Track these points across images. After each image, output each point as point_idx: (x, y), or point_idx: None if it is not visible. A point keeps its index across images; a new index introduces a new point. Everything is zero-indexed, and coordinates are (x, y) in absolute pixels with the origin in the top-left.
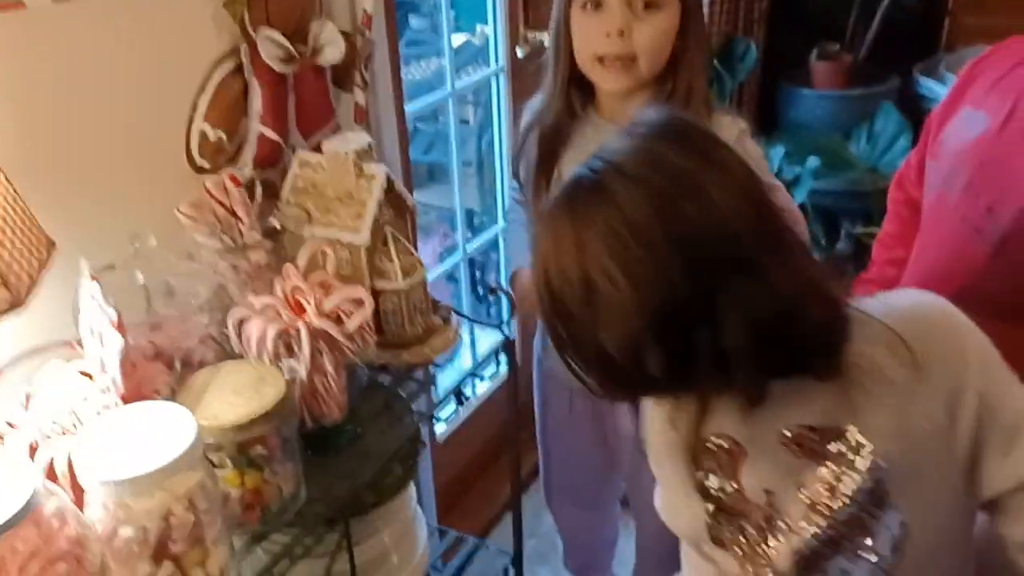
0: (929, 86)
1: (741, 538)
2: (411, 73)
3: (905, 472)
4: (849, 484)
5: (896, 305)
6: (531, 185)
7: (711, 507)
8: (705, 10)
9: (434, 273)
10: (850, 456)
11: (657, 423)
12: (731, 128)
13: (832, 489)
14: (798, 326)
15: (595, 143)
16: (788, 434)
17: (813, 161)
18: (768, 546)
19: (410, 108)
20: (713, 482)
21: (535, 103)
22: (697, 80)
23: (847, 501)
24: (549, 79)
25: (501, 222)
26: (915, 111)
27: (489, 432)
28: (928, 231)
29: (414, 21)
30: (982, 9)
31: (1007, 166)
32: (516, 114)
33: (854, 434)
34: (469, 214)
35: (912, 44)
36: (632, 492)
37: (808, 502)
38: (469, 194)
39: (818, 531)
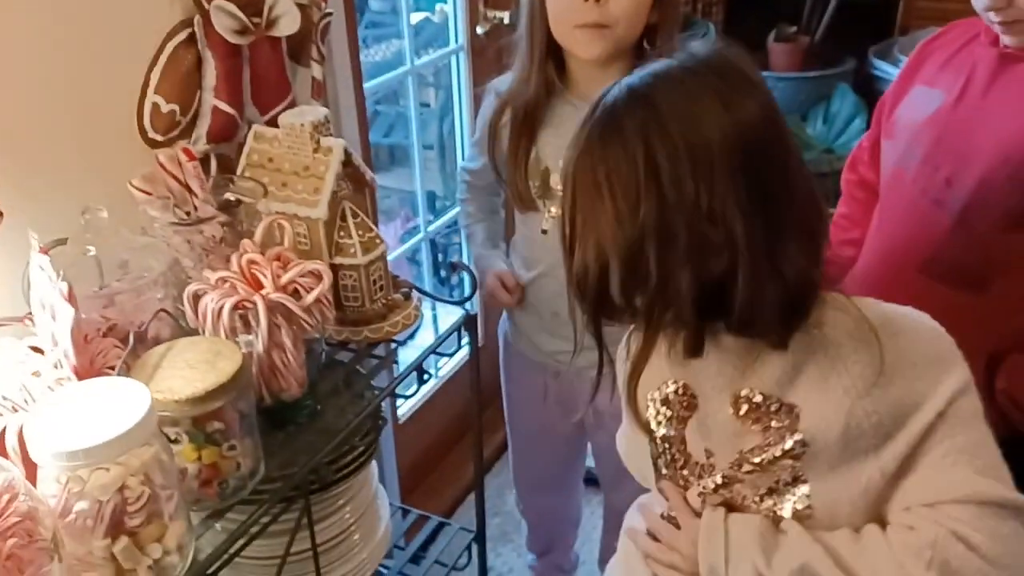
0: (884, 68)
1: (679, 479)
2: (371, 55)
3: (825, 458)
4: (773, 453)
5: (889, 310)
6: (506, 165)
7: (656, 448)
8: None
9: (396, 253)
10: (785, 432)
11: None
12: None
13: (760, 455)
14: (758, 289)
15: (572, 121)
16: (742, 396)
17: None
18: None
19: (369, 86)
20: (660, 429)
21: (503, 83)
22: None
23: (766, 466)
24: (523, 55)
25: None
26: (870, 93)
27: (452, 412)
28: (887, 207)
29: (374, 3)
30: None
31: (964, 139)
32: (477, 93)
33: (798, 413)
34: (431, 196)
35: (867, 26)
36: (602, 465)
37: (735, 461)
38: (431, 177)
39: (735, 485)
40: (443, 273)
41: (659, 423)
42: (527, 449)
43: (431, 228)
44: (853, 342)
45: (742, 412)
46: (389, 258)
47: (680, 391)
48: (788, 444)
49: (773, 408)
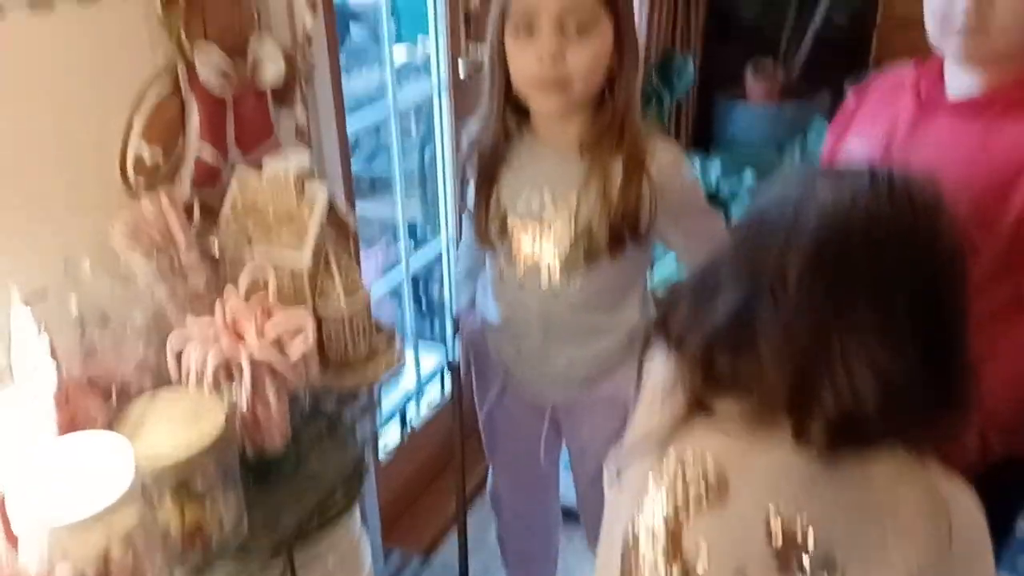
0: None
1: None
2: (351, 83)
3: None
4: None
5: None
6: (474, 209)
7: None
8: (643, 25)
9: (377, 290)
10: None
11: (655, 393)
12: (668, 154)
13: None
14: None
15: (532, 165)
16: (777, 522)
17: (749, 177)
18: None
19: (351, 124)
20: (664, 507)
21: (471, 127)
22: (632, 101)
23: None
24: (485, 102)
25: (444, 236)
26: None
27: (432, 447)
28: None
29: (355, 29)
30: (907, 25)
31: None
32: (458, 128)
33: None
34: (411, 226)
35: (843, 59)
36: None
37: None
38: (411, 206)
39: None
40: (424, 305)
41: (668, 493)
42: (500, 450)
43: (413, 264)
44: (921, 513)
45: (775, 541)
46: (371, 296)
47: (712, 474)
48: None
49: (814, 558)
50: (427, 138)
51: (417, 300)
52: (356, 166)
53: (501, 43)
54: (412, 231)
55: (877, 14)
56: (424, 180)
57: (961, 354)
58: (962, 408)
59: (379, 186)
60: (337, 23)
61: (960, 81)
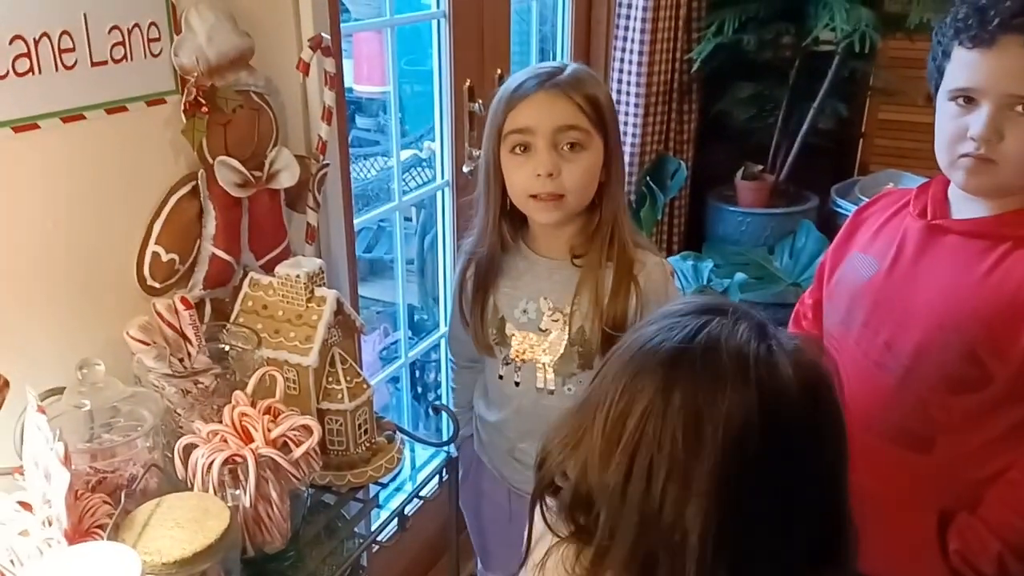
0: (845, 205)
1: None
2: (356, 171)
3: None
4: None
5: None
6: (470, 317)
7: None
8: (638, 130)
9: (375, 379)
10: None
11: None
12: (655, 271)
13: None
14: None
15: (528, 274)
16: None
17: (740, 276)
18: None
19: (359, 221)
20: None
21: (468, 242)
22: (621, 212)
23: None
24: (482, 214)
25: (443, 323)
26: (832, 229)
27: (425, 536)
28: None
29: (360, 119)
30: (891, 133)
31: (899, 306)
32: (461, 226)
33: None
34: (411, 310)
35: (829, 165)
36: None
37: None
38: (411, 289)
39: None
40: (420, 392)
41: None
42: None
43: (411, 353)
44: None
45: None
46: (372, 380)
47: None
48: None
49: None
50: (428, 225)
51: (414, 387)
52: (358, 250)
53: (497, 158)
54: (411, 316)
55: (862, 120)
56: (424, 266)
57: (842, 518)
58: (843, 566)
59: (378, 268)
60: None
61: (965, 205)
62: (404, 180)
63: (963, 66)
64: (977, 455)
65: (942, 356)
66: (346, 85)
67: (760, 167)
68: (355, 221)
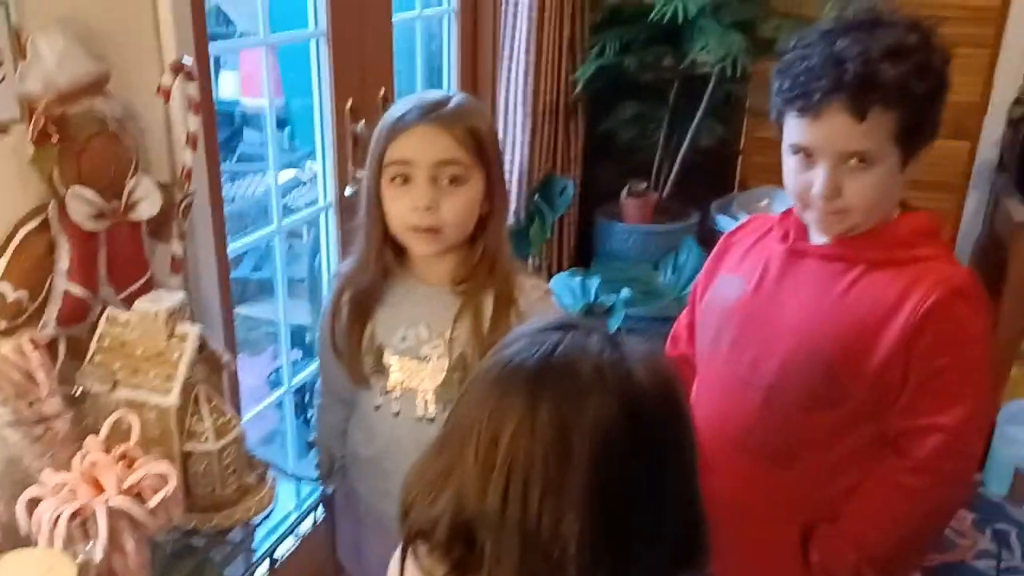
0: (723, 221)
1: None
2: (244, 187)
3: None
4: None
5: None
6: (344, 343)
7: None
8: (526, 149)
9: (256, 408)
10: None
11: None
12: (534, 292)
13: None
14: None
15: (407, 300)
16: None
17: (626, 292)
18: None
19: (235, 245)
20: None
21: (345, 267)
22: (503, 243)
23: None
24: (363, 242)
25: None
26: (712, 245)
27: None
28: (703, 385)
29: (248, 133)
30: (768, 150)
31: (764, 326)
32: (346, 250)
33: None
34: (300, 331)
35: (710, 182)
36: None
37: None
38: (301, 307)
39: None
40: (310, 414)
41: None
42: None
43: (303, 374)
44: None
45: None
46: (255, 411)
47: None
48: None
49: None
50: (318, 244)
51: (297, 411)
52: (243, 272)
53: (378, 188)
54: (301, 337)
55: (741, 139)
56: (313, 285)
57: (701, 516)
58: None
59: (267, 287)
60: (231, 127)
61: (822, 235)
62: (292, 198)
63: (795, 129)
64: (835, 469)
65: (803, 375)
66: (234, 98)
67: (644, 184)
68: (236, 245)
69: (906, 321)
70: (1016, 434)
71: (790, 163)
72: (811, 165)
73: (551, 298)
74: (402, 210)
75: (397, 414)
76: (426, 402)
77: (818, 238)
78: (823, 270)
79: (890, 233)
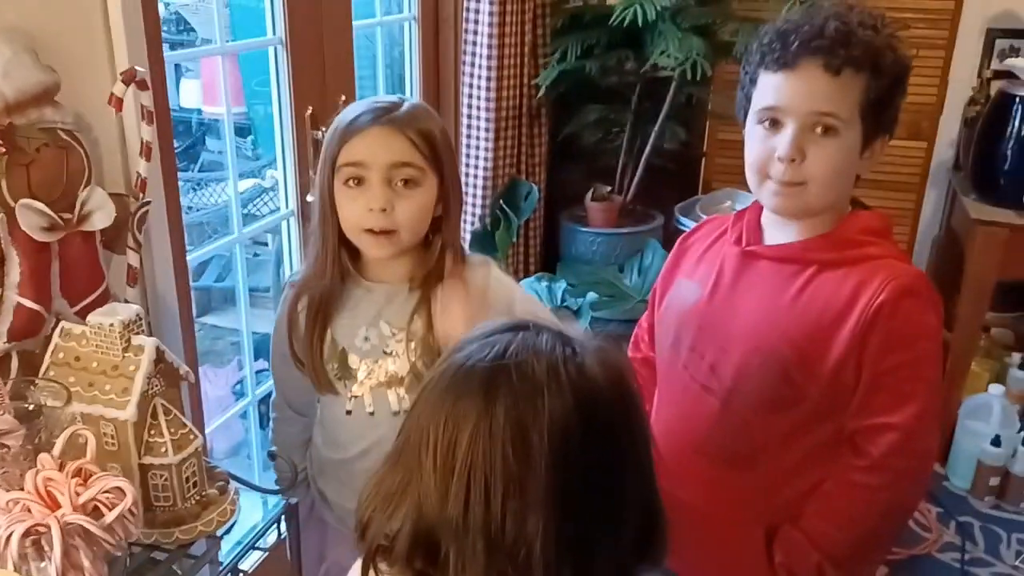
0: (687, 223)
1: None
2: (207, 196)
3: None
4: None
5: None
6: (304, 351)
7: None
8: (490, 154)
9: (220, 420)
10: None
11: None
12: (480, 267)
13: None
14: None
15: (366, 303)
16: None
17: (592, 295)
18: None
19: (196, 255)
20: None
21: (299, 272)
22: (456, 241)
23: None
24: (318, 246)
25: None
26: None
27: None
28: (664, 389)
29: (211, 141)
30: (730, 152)
31: (721, 330)
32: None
33: None
34: (264, 340)
35: (673, 184)
36: None
37: None
38: (265, 319)
39: None
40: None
41: None
42: None
43: (266, 384)
44: None
45: None
46: (219, 422)
47: None
48: None
49: None
50: (281, 255)
51: (262, 422)
52: (206, 282)
53: (331, 190)
54: (265, 345)
55: (704, 141)
56: (278, 294)
57: (658, 508)
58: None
59: (232, 297)
60: (193, 135)
61: (777, 231)
62: (255, 206)
63: (768, 88)
64: (795, 470)
65: (760, 377)
66: (195, 106)
67: (609, 188)
68: (196, 254)
69: (857, 320)
70: (977, 428)
71: (755, 133)
72: (776, 131)
73: (494, 267)
74: (356, 212)
75: (372, 413)
76: (399, 396)
77: (772, 240)
78: (777, 273)
79: (841, 233)
